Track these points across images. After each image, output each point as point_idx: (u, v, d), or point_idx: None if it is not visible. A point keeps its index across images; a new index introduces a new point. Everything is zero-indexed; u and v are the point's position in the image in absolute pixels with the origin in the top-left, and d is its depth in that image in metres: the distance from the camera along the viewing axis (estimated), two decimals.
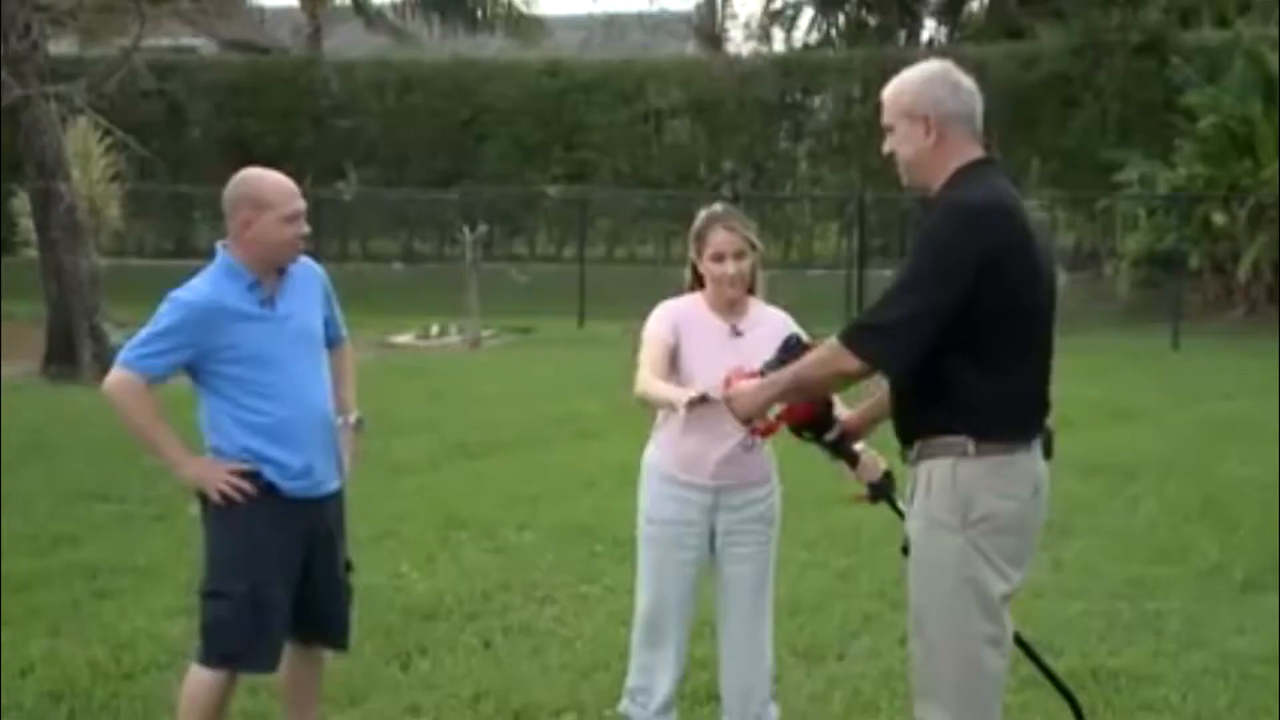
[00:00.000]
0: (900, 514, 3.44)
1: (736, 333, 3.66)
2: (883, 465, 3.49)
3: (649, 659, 3.75)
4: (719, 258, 3.63)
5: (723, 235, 3.64)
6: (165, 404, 3.57)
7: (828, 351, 3.03)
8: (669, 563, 3.70)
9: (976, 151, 3.11)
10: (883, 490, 3.52)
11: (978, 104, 3.14)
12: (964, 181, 3.05)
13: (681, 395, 3.45)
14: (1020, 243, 2.98)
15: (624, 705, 3.83)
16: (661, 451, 3.70)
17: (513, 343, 15.76)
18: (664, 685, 3.76)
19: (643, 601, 3.76)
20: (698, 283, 3.74)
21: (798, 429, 3.45)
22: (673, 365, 3.64)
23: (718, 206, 3.77)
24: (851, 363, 2.97)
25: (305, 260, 3.65)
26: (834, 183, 21.60)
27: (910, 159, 3.11)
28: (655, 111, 22.70)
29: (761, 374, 3.37)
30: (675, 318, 3.69)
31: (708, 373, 3.50)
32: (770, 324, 3.67)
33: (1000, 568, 3.03)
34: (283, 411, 3.52)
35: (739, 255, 3.63)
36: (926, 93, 3.09)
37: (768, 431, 3.45)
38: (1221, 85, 17.80)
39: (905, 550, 3.28)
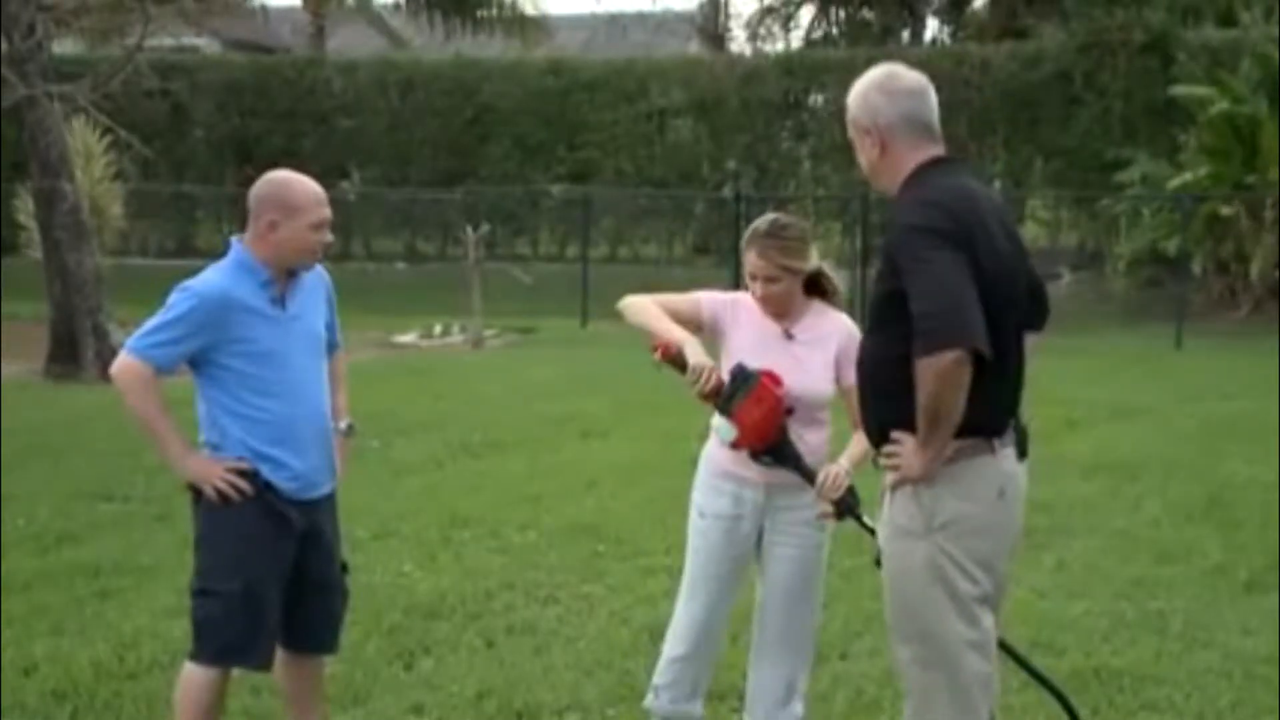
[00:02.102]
0: (868, 529, 3.47)
1: (788, 335, 3.67)
2: (845, 482, 3.52)
3: (688, 654, 3.74)
4: (752, 277, 3.65)
5: (754, 259, 3.62)
6: (166, 401, 3.56)
7: (923, 373, 2.87)
8: (719, 559, 3.70)
9: (929, 151, 3.09)
10: (847, 507, 3.54)
11: (921, 101, 3.10)
12: (914, 186, 3.05)
13: (683, 343, 3.50)
14: (966, 240, 2.92)
15: (649, 701, 3.82)
16: (720, 431, 3.70)
17: (515, 342, 15.76)
18: (699, 684, 3.76)
19: (692, 597, 3.75)
20: None
21: (755, 454, 3.54)
22: (720, 353, 3.68)
23: (764, 223, 3.67)
24: (946, 359, 2.83)
25: (316, 266, 3.67)
26: (837, 182, 21.55)
27: (867, 169, 3.16)
28: (658, 111, 22.69)
29: (719, 410, 3.51)
30: (726, 309, 3.70)
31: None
32: (823, 330, 3.68)
33: (969, 571, 3.01)
34: (284, 410, 3.52)
35: (770, 279, 3.61)
36: (863, 103, 3.11)
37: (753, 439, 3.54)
38: (1225, 82, 17.75)
39: (878, 563, 3.30)
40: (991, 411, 3.01)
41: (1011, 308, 3.03)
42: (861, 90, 3.13)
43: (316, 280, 3.69)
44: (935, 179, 3.05)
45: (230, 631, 3.51)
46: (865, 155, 3.14)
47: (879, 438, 3.10)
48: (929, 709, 3.05)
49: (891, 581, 3.09)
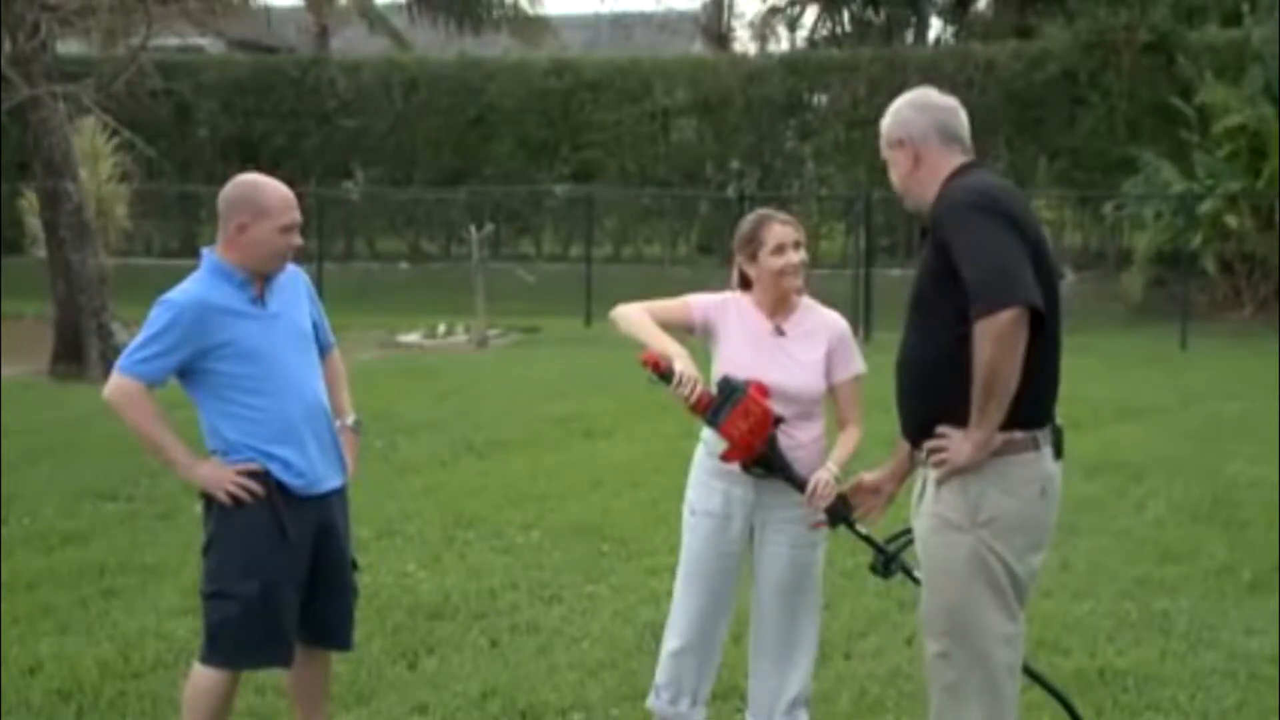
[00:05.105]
0: (861, 536, 3.49)
1: (779, 332, 3.69)
2: (834, 489, 3.54)
3: (685, 648, 3.75)
4: (781, 249, 3.66)
5: (781, 229, 3.69)
6: (164, 405, 3.57)
7: (981, 336, 2.89)
8: (710, 556, 3.71)
9: (959, 159, 3.18)
10: (839, 515, 3.55)
11: (953, 114, 3.21)
12: (953, 182, 3.13)
13: (673, 356, 3.52)
14: (1015, 222, 3.00)
15: (651, 701, 3.83)
16: (709, 444, 3.72)
17: (519, 342, 15.77)
18: (699, 681, 3.76)
19: (686, 594, 3.76)
20: (744, 286, 3.77)
21: (745, 465, 3.58)
22: (712, 353, 3.73)
23: (761, 210, 3.80)
24: (1004, 318, 2.86)
25: (289, 265, 3.68)
26: (841, 182, 21.56)
27: (900, 183, 3.23)
28: (662, 110, 22.66)
29: (707, 423, 3.54)
30: (717, 310, 3.73)
31: (742, 367, 3.60)
32: (813, 325, 3.72)
33: (1010, 566, 3.05)
34: (276, 406, 3.52)
35: (798, 245, 3.69)
36: (897, 119, 3.22)
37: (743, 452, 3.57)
38: (1235, 86, 17.75)
39: (873, 569, 3.33)
40: (1036, 400, 3.04)
41: (1055, 296, 3.07)
42: (894, 108, 3.24)
43: (294, 278, 3.69)
44: (973, 176, 3.14)
45: (246, 634, 3.50)
46: (898, 170, 3.22)
47: (919, 432, 3.12)
48: (961, 703, 3.06)
49: (933, 575, 3.11)
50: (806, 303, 3.76)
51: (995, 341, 2.88)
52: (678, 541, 3.87)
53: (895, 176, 3.23)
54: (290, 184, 3.69)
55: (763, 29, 29.82)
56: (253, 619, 3.49)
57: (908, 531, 3.31)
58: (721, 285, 3.90)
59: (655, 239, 23.38)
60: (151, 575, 5.69)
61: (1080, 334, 13.30)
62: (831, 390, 3.70)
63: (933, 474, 3.09)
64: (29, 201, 15.38)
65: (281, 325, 3.58)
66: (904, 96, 3.26)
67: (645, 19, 29.18)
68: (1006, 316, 2.87)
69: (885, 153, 3.24)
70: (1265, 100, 17.56)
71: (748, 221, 3.73)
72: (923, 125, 3.17)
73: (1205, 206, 17.14)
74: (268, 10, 24.24)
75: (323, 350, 3.77)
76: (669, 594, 3.90)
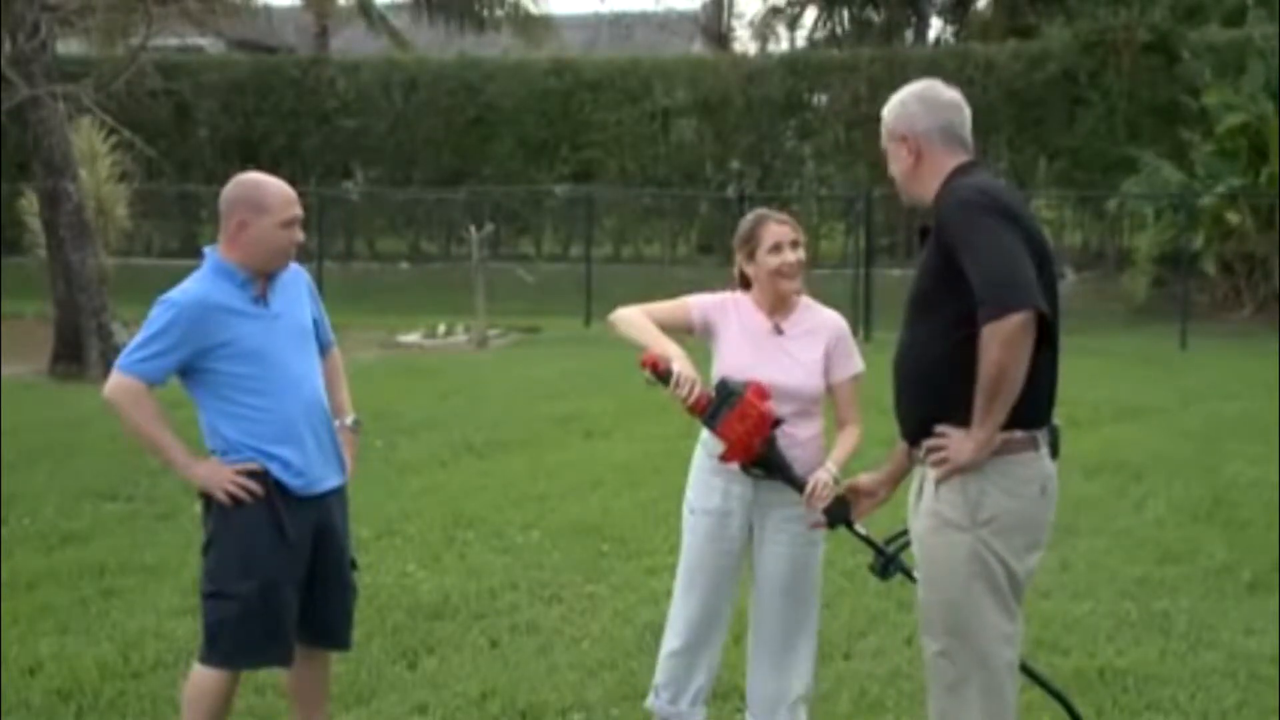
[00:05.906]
0: (860, 537, 3.49)
1: (778, 331, 3.69)
2: (832, 490, 3.54)
3: (684, 648, 3.74)
4: (778, 248, 3.67)
5: (777, 228, 3.70)
6: (165, 404, 3.56)
7: (989, 339, 2.90)
8: (710, 554, 3.71)
9: (961, 158, 3.18)
10: (837, 516, 3.55)
11: (957, 113, 3.20)
12: (955, 181, 3.12)
13: (671, 357, 3.53)
14: (1018, 222, 3.00)
15: (650, 701, 3.83)
16: (708, 443, 3.72)
17: (519, 342, 15.77)
18: (698, 682, 3.76)
19: (685, 593, 3.76)
20: (744, 287, 3.78)
21: (745, 466, 3.59)
22: (712, 353, 3.74)
23: (759, 210, 3.82)
24: (1013, 322, 2.88)
25: (291, 264, 3.67)
26: (841, 182, 21.57)
27: (900, 178, 3.22)
28: (662, 110, 22.67)
29: (704, 425, 3.55)
30: (716, 310, 3.74)
31: (742, 366, 3.61)
32: (812, 324, 3.73)
33: (1010, 565, 3.05)
34: (278, 406, 3.52)
35: (795, 244, 3.70)
36: (901, 113, 3.19)
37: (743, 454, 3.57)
38: (1236, 85, 17.77)
39: (871, 569, 3.33)
40: (1036, 401, 3.05)
41: (1055, 296, 3.07)
42: (900, 99, 3.21)
43: (295, 277, 3.69)
44: (974, 176, 3.13)
45: (245, 634, 3.50)
46: (899, 164, 3.20)
47: (918, 432, 3.12)
48: (960, 702, 3.06)
49: (932, 574, 3.11)
50: (806, 302, 3.77)
51: (1003, 344, 2.89)
52: (677, 541, 3.88)
53: (895, 170, 3.23)
54: (290, 184, 3.68)
55: (763, 29, 29.89)
56: (252, 619, 3.48)
57: (907, 532, 3.31)
58: (722, 285, 3.91)
59: (655, 239, 23.40)
60: (151, 575, 5.69)
61: (1080, 334, 13.33)
62: (830, 390, 3.71)
63: (932, 473, 3.09)
64: (29, 201, 15.37)
65: (283, 325, 3.57)
66: (910, 88, 3.22)
67: (645, 19, 29.18)
68: (1015, 320, 2.88)
69: (886, 144, 3.22)
70: (1265, 98, 17.57)
71: (746, 221, 3.75)
72: (927, 123, 3.15)
73: (1205, 203, 17.15)
74: (268, 10, 24.25)
75: (322, 348, 3.77)
76: (669, 594, 3.90)
